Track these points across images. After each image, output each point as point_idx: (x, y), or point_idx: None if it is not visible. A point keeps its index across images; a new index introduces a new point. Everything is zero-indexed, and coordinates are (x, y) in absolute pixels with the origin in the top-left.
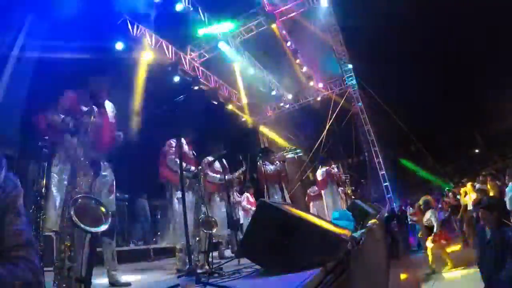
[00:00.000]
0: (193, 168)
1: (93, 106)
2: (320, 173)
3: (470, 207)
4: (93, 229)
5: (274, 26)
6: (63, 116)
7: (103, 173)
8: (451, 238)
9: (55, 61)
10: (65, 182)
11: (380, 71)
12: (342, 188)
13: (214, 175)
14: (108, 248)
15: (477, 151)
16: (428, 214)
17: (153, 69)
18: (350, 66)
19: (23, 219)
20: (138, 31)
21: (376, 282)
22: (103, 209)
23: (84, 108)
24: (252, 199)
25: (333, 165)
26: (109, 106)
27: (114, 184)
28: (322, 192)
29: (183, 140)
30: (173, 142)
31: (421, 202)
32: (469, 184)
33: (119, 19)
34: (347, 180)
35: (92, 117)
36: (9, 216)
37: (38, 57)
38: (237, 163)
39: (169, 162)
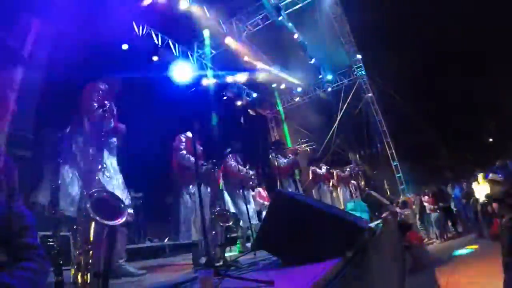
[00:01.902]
0: (203, 163)
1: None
2: (310, 172)
3: (482, 199)
4: (110, 222)
5: (280, 18)
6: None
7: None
8: (420, 238)
9: (63, 63)
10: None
11: (389, 60)
12: (354, 182)
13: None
14: (123, 238)
15: (491, 140)
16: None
17: (160, 68)
18: (359, 56)
19: (20, 199)
20: (144, 31)
21: (394, 272)
22: (119, 202)
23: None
24: (264, 194)
25: (322, 165)
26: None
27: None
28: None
29: (191, 135)
30: (182, 137)
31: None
32: (480, 175)
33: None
34: (360, 172)
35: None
36: (15, 199)
37: (47, 61)
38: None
39: (179, 158)
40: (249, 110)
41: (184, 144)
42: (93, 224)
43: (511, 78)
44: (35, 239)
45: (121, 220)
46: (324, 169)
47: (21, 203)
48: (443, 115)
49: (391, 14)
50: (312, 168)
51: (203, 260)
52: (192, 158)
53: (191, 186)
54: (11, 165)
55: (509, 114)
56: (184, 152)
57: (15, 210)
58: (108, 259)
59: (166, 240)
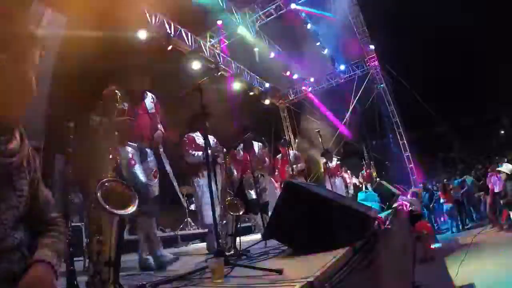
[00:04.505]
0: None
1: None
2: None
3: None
4: (120, 212)
5: (293, 7)
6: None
7: (148, 159)
8: (430, 228)
9: (77, 54)
10: None
11: (402, 51)
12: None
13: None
14: (148, 228)
15: (502, 132)
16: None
17: (174, 57)
18: (372, 47)
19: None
20: (157, 20)
21: (403, 261)
22: (130, 192)
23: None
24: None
25: (334, 158)
26: (148, 97)
27: (157, 169)
28: None
29: (198, 134)
30: (185, 138)
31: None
32: (493, 166)
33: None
34: (371, 162)
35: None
36: (41, 183)
37: (60, 49)
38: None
39: (186, 158)
40: (261, 100)
41: (188, 144)
42: (104, 213)
43: None
44: (56, 213)
45: (132, 210)
46: (334, 162)
47: (43, 187)
48: (456, 107)
49: (405, 4)
50: (323, 161)
51: (214, 249)
52: (199, 153)
53: (200, 179)
54: (33, 154)
55: None
56: (190, 151)
57: (40, 194)
58: (119, 248)
59: (178, 230)
